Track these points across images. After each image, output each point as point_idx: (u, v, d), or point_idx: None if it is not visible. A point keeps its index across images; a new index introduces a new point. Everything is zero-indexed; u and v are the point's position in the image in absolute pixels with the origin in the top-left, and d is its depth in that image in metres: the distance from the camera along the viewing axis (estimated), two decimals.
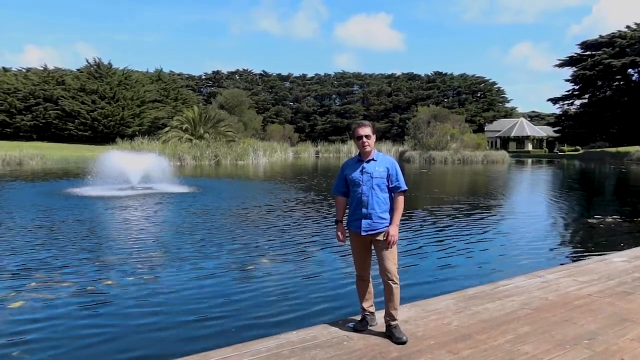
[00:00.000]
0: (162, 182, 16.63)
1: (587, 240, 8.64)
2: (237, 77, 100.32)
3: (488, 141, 60.12)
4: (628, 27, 56.24)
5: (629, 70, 54.52)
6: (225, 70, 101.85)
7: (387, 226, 3.48)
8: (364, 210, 3.48)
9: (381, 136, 74.19)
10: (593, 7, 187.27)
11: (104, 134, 57.88)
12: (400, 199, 3.54)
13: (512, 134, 76.74)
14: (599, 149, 60.22)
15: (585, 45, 60.11)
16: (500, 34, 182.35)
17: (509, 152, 54.88)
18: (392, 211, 3.52)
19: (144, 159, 17.60)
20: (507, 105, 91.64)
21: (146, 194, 14.70)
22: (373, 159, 3.54)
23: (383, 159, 3.56)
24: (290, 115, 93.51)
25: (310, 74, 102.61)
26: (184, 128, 45.53)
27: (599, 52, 56.42)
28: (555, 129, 71.48)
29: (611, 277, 5.04)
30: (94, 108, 60.01)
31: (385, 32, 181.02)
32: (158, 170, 17.14)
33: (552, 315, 3.90)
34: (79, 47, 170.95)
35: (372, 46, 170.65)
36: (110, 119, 60.03)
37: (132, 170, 16.39)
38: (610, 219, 10.67)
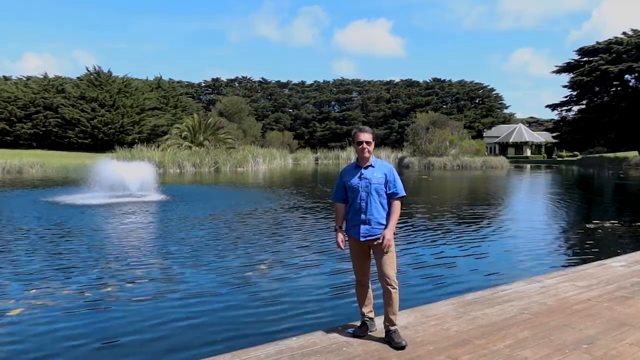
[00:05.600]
0: (157, 191, 16.60)
1: (585, 245, 8.65)
2: (237, 85, 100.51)
3: (487, 147, 60.19)
4: (624, 33, 56.54)
5: (626, 76, 54.68)
6: (224, 77, 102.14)
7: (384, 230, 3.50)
8: (362, 216, 3.50)
9: (380, 142, 74.28)
10: (593, 12, 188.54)
11: (104, 142, 57.95)
12: (397, 205, 3.55)
13: (511, 140, 76.89)
14: (597, 155, 60.35)
15: (582, 52, 60.41)
16: (500, 40, 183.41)
17: (507, 157, 54.94)
18: (388, 216, 3.54)
19: (136, 167, 17.58)
20: (506, 111, 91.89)
21: (142, 202, 14.68)
22: (371, 165, 3.56)
23: (381, 165, 3.59)
24: (290, 122, 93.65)
25: (309, 81, 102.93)
26: (183, 135, 45.60)
27: (596, 58, 56.69)
28: (554, 134, 71.61)
29: (610, 281, 5.05)
30: (93, 116, 60.16)
31: (385, 38, 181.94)
32: (151, 178, 17.09)
33: (551, 320, 3.91)
34: (78, 55, 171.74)
35: (372, 52, 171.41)
36: (110, 126, 60.15)
37: (129, 178, 16.39)
38: (608, 224, 10.68)
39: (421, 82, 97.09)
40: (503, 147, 76.17)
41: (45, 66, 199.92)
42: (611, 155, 53.62)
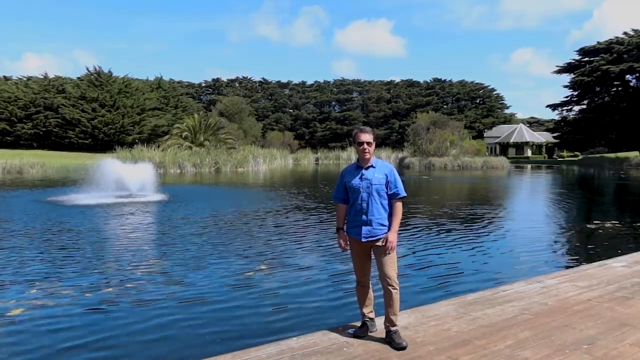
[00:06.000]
0: (157, 191, 16.58)
1: (586, 246, 8.65)
2: (237, 85, 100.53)
3: (487, 147, 60.19)
4: (625, 33, 56.51)
5: (627, 76, 54.63)
6: (225, 77, 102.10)
7: (387, 232, 3.50)
8: (363, 217, 3.50)
9: (381, 143, 74.22)
10: (594, 12, 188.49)
11: (105, 142, 57.96)
12: (399, 206, 3.56)
13: (512, 140, 76.87)
14: (598, 155, 60.29)
15: (583, 52, 60.36)
16: (500, 39, 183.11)
17: (508, 158, 54.94)
18: (390, 217, 3.54)
19: (136, 168, 17.58)
20: (507, 111, 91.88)
21: (143, 202, 14.67)
22: (372, 166, 3.56)
23: (382, 166, 3.59)
24: (290, 122, 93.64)
25: (309, 81, 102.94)
26: (183, 136, 45.61)
27: (597, 58, 56.66)
28: (555, 134, 71.64)
29: (610, 282, 5.05)
30: (94, 116, 60.18)
31: (386, 38, 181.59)
32: (152, 178, 17.07)
33: (551, 321, 3.90)
34: (78, 55, 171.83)
35: (373, 52, 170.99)
36: (110, 126, 60.17)
37: (130, 178, 16.38)
38: (609, 224, 10.68)
39: (422, 82, 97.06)
40: (504, 148, 76.14)
41: (46, 66, 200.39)
42: (612, 155, 53.58)
